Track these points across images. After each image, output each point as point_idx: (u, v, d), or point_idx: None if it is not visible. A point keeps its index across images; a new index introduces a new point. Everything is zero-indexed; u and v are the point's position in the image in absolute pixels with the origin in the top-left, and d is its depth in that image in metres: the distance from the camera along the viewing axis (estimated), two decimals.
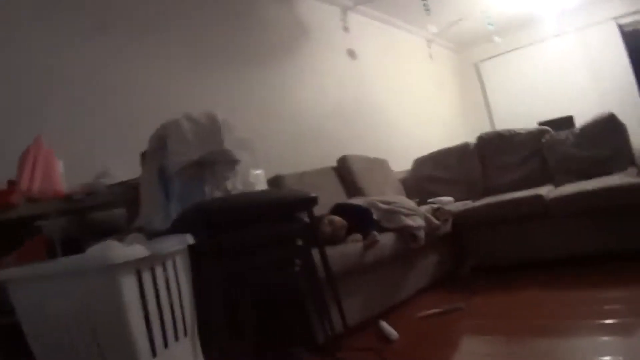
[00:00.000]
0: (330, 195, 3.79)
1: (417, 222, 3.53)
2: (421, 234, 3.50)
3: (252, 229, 2.03)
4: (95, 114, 3.05)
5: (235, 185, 2.17)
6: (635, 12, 7.83)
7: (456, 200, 4.62)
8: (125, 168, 2.61)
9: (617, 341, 2.14)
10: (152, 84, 3.43)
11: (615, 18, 7.94)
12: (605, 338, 2.22)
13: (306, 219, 2.41)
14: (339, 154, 4.50)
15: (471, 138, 5.39)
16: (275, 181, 3.67)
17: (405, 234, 3.45)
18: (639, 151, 3.65)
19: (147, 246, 1.43)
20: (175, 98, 3.47)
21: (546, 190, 4.03)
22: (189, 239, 1.69)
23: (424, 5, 6.11)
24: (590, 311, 2.59)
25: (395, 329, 2.82)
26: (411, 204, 3.83)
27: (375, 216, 3.44)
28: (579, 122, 4.79)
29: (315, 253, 2.48)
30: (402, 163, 5.48)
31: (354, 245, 3.02)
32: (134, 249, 1.39)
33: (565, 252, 3.74)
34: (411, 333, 2.85)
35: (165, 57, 3.61)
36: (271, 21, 4.72)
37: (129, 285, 1.38)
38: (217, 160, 2.13)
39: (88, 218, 2.64)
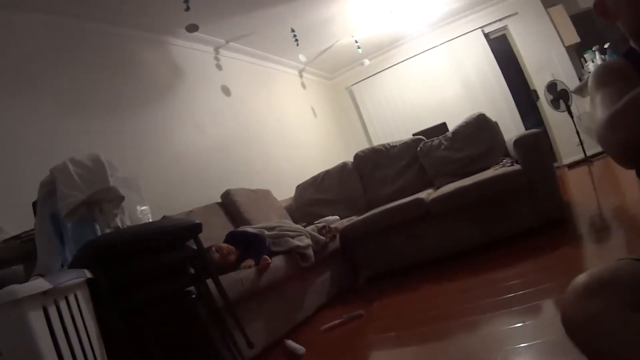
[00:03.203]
0: (219, 230, 3.93)
1: (304, 241, 3.77)
2: (310, 252, 3.76)
3: (143, 260, 2.19)
4: None
5: (124, 221, 2.36)
6: (499, 20, 8.86)
7: (342, 218, 4.92)
8: (19, 221, 2.70)
9: (526, 309, 2.34)
10: (36, 134, 3.52)
11: (481, 27, 8.89)
12: (514, 308, 2.41)
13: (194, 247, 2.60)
14: (224, 189, 4.67)
15: (351, 158, 5.74)
16: None
17: (295, 254, 3.69)
18: (511, 142, 4.09)
19: (48, 280, 1.58)
20: (61, 146, 3.56)
21: (426, 194, 4.41)
22: (87, 273, 1.85)
23: (293, 36, 6.56)
24: (487, 292, 2.86)
25: (301, 345, 2.99)
26: (295, 225, 4.09)
27: None
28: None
29: (210, 281, 2.63)
30: (286, 191, 5.76)
31: (246, 271, 3.14)
32: (37, 283, 1.54)
33: (452, 248, 4.13)
34: (318, 346, 3.03)
35: (48, 106, 3.72)
36: (148, 65, 4.94)
37: (37, 320, 1.51)
38: (104, 199, 2.30)
39: None
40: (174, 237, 2.39)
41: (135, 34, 4.87)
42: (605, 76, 1.25)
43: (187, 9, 4.73)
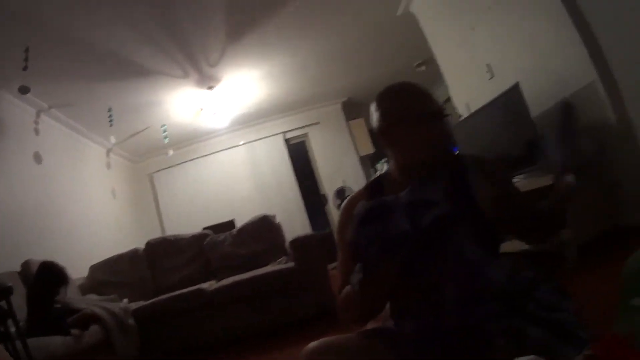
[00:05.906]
0: (18, 299, 3.99)
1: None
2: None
3: None
4: None
5: None
6: (300, 127, 10.08)
7: (131, 301, 5.28)
8: None
9: None
10: None
11: (283, 132, 10.04)
12: None
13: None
14: (22, 258, 4.73)
15: (144, 244, 6.24)
16: None
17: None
18: (289, 243, 4.99)
19: None
20: None
21: (208, 284, 5.13)
22: None
23: (109, 116, 6.96)
24: None
25: None
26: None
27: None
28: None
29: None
30: (81, 269, 5.90)
31: None
32: None
33: (235, 332, 4.82)
34: None
35: None
36: None
37: None
38: None
39: None
40: None
41: None
42: (344, 225, 1.58)
43: (25, 68, 4.86)
